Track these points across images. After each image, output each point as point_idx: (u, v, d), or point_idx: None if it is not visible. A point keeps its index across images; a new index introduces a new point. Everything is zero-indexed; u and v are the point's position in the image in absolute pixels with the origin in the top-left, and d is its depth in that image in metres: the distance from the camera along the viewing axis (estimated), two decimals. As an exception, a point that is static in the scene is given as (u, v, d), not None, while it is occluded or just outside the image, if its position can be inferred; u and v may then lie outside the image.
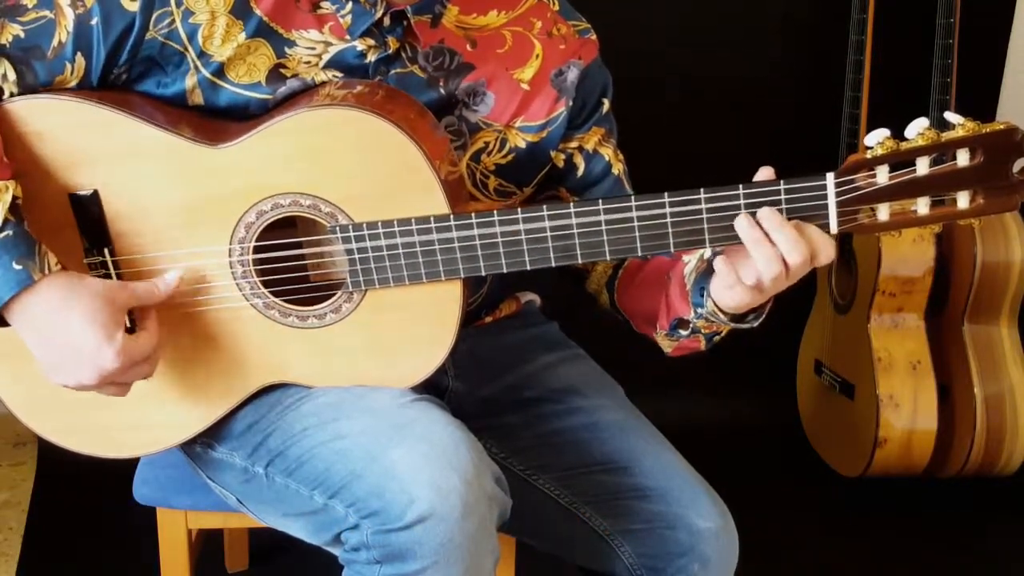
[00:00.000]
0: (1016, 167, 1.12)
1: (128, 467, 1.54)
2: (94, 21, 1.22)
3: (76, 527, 2.21)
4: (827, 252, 1.16)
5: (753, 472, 2.49)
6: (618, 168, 1.44)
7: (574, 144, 1.42)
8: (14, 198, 1.17)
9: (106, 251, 1.26)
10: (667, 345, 1.38)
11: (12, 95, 1.22)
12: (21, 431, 2.52)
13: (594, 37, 1.43)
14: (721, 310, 1.23)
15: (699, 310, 1.26)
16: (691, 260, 1.29)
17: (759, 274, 1.16)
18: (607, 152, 1.43)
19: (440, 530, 1.14)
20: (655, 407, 1.56)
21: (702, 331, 1.30)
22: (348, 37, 1.29)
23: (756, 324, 1.26)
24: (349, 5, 1.29)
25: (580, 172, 1.43)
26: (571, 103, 1.39)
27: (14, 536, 2.19)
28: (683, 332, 1.32)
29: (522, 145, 1.38)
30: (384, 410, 1.24)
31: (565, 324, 1.59)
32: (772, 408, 2.66)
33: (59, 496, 2.29)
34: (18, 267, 1.14)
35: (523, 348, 1.51)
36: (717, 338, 1.32)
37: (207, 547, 1.81)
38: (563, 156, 1.42)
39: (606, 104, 1.44)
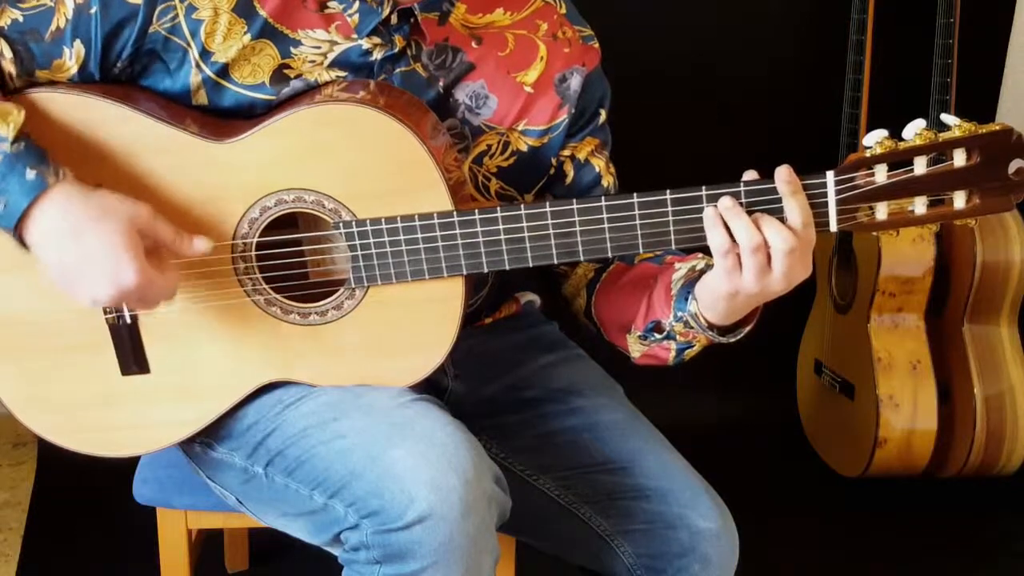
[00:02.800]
0: (1012, 168, 1.12)
1: (128, 467, 1.54)
2: (93, 10, 1.23)
3: (76, 527, 2.21)
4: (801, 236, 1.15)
5: (753, 472, 2.48)
6: (608, 180, 1.44)
7: (567, 152, 1.42)
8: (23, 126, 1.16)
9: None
10: (636, 349, 1.36)
11: (11, 75, 1.23)
12: (21, 431, 2.51)
13: (596, 45, 1.43)
14: (703, 315, 1.23)
15: (680, 313, 1.25)
16: (682, 268, 1.29)
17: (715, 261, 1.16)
18: (599, 163, 1.43)
19: (440, 530, 1.15)
20: (655, 407, 1.56)
21: (676, 337, 1.29)
22: (355, 36, 1.29)
23: (732, 340, 1.26)
24: (356, 4, 1.29)
25: (569, 180, 1.42)
26: (572, 111, 1.39)
27: (14, 536, 2.19)
28: (657, 336, 1.31)
29: (524, 148, 1.38)
30: (384, 410, 1.24)
31: (565, 324, 1.59)
32: (772, 408, 2.66)
33: (59, 496, 2.29)
34: (32, 173, 1.14)
35: (523, 348, 1.51)
36: (688, 351, 1.31)
37: (207, 547, 1.80)
38: (555, 163, 1.42)
39: (603, 115, 1.44)
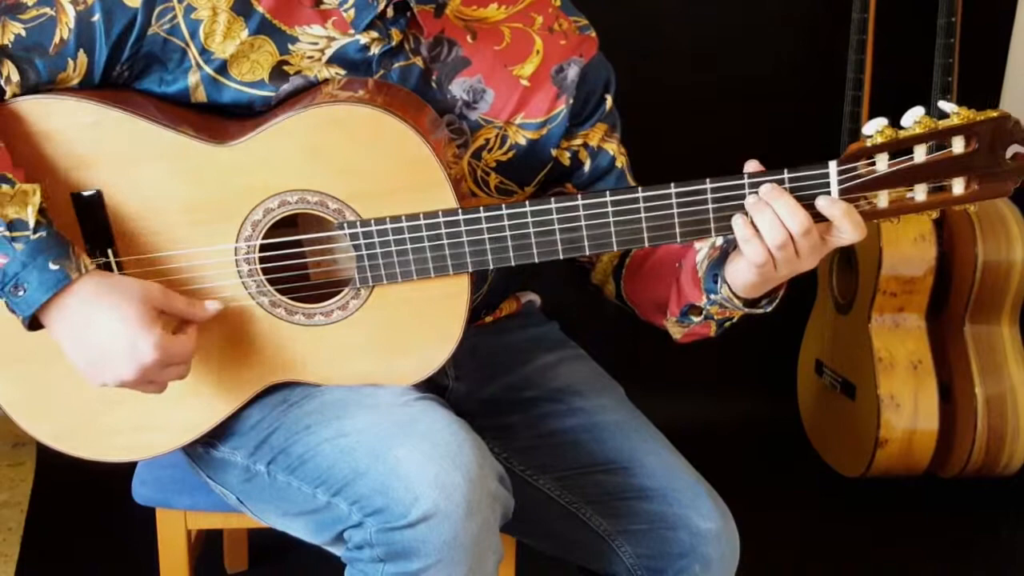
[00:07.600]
0: (1008, 153, 1.14)
1: (127, 467, 1.54)
2: (95, 18, 1.22)
3: (75, 527, 2.21)
4: (849, 226, 1.16)
5: (753, 472, 2.49)
6: (621, 161, 1.45)
7: (578, 141, 1.42)
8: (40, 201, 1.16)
9: (110, 252, 1.25)
10: (677, 332, 1.38)
11: (15, 96, 1.22)
12: (20, 431, 2.50)
13: (593, 34, 1.43)
14: (736, 295, 1.23)
15: (712, 296, 1.26)
16: (703, 247, 1.29)
17: (765, 243, 1.16)
18: (611, 147, 1.44)
19: (444, 528, 1.14)
20: (655, 407, 1.56)
21: (715, 317, 1.30)
22: (352, 31, 1.29)
23: (769, 309, 1.27)
24: (351, -1, 1.28)
25: (587, 168, 1.43)
26: (571, 101, 1.39)
27: (13, 536, 2.19)
28: (695, 319, 1.32)
29: (522, 142, 1.38)
30: (388, 408, 1.24)
31: (565, 324, 1.58)
32: (772, 408, 2.66)
33: (58, 496, 2.29)
34: (55, 267, 1.14)
35: (523, 348, 1.51)
36: (728, 323, 1.32)
37: (207, 547, 1.80)
38: (568, 154, 1.42)
39: (609, 100, 1.44)
